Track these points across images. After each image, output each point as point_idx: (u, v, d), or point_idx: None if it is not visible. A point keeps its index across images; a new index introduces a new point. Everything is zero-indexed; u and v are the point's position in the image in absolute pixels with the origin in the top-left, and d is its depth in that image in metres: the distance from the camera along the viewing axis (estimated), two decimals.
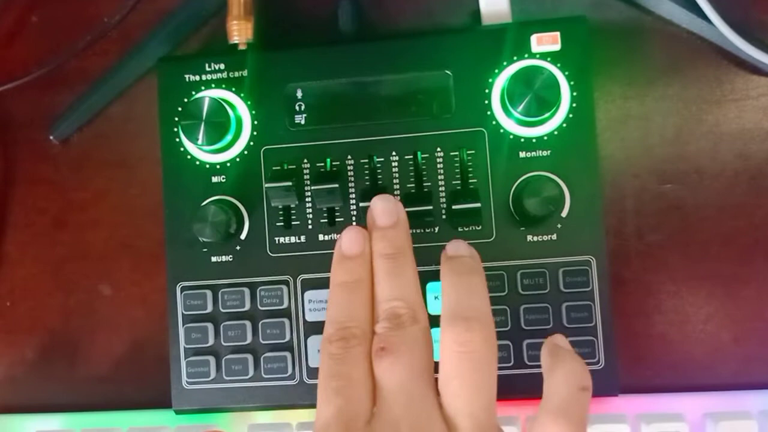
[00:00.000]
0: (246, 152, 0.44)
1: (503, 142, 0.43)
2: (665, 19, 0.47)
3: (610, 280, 0.42)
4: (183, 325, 0.44)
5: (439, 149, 0.43)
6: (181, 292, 0.44)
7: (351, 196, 0.44)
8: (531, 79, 0.41)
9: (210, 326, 0.44)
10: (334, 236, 0.44)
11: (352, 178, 0.44)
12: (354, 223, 0.43)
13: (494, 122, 0.43)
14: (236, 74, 0.44)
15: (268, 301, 0.44)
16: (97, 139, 0.50)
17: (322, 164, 0.44)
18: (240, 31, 0.46)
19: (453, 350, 0.34)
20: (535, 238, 0.43)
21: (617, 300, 0.45)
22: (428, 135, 0.43)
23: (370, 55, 0.44)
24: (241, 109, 0.44)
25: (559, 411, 0.33)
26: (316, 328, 0.43)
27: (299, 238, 0.44)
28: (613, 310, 0.42)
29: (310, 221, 0.44)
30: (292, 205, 0.44)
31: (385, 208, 0.38)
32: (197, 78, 0.45)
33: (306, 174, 0.44)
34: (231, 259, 0.44)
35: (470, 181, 0.43)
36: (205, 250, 0.44)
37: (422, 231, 0.43)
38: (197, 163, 0.44)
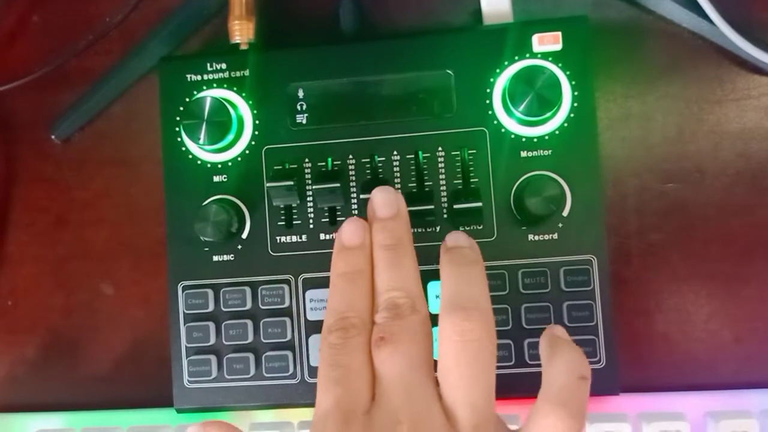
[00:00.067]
0: (247, 152, 0.44)
1: (504, 142, 0.43)
2: (666, 18, 0.47)
3: (611, 279, 0.42)
4: (184, 324, 0.44)
5: (440, 149, 0.43)
6: (182, 291, 0.44)
7: (352, 195, 0.44)
8: (532, 78, 0.41)
9: (211, 325, 0.44)
10: (335, 236, 0.44)
11: (354, 178, 0.44)
12: None
13: (495, 122, 0.43)
14: (238, 74, 0.44)
15: (270, 300, 0.44)
16: (98, 139, 0.50)
17: (324, 164, 0.44)
18: (241, 31, 0.46)
19: (452, 340, 0.34)
20: (537, 238, 0.43)
21: (618, 299, 0.45)
22: (429, 134, 0.43)
23: (372, 54, 0.44)
24: (242, 108, 0.44)
25: (558, 400, 0.33)
26: (318, 327, 0.43)
27: (300, 238, 0.44)
28: (614, 310, 0.42)
29: (311, 220, 0.44)
30: (294, 205, 0.44)
31: (385, 200, 0.39)
32: (199, 77, 0.45)
33: (307, 173, 0.44)
34: (232, 259, 0.44)
35: (471, 180, 0.43)
36: (206, 249, 0.44)
37: (423, 230, 0.43)
38: (199, 162, 0.45)
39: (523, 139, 0.43)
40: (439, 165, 0.43)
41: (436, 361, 0.35)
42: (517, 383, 0.41)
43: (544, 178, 0.42)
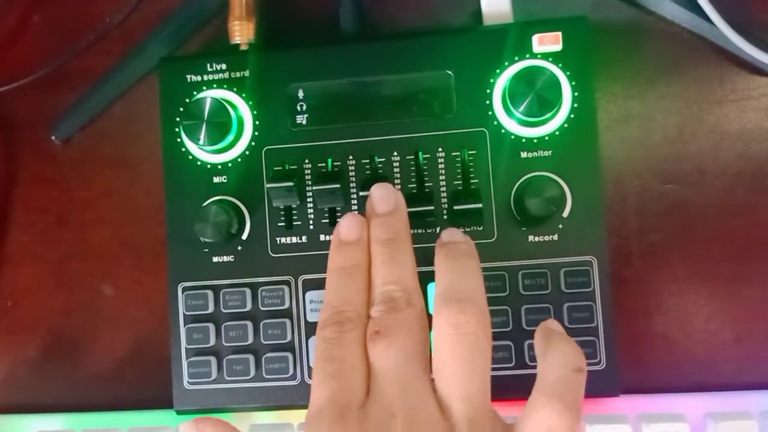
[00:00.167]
0: (247, 152, 0.44)
1: (504, 143, 0.43)
2: (666, 19, 0.47)
3: (611, 280, 0.42)
4: (184, 326, 0.44)
5: (440, 149, 0.43)
6: (182, 293, 0.44)
7: (352, 196, 0.44)
8: (532, 79, 0.41)
9: (211, 326, 0.44)
10: (333, 231, 0.44)
11: (354, 179, 0.44)
12: None
13: (495, 122, 0.43)
14: (238, 74, 0.44)
15: (270, 302, 0.44)
16: (98, 139, 0.50)
17: (324, 164, 0.44)
18: (242, 32, 0.46)
19: (447, 333, 0.34)
20: (537, 239, 0.43)
21: (618, 300, 0.45)
22: (429, 135, 0.43)
23: (372, 55, 0.44)
24: (242, 109, 0.44)
25: (553, 392, 0.33)
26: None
27: (300, 239, 0.44)
28: (614, 310, 0.42)
29: (311, 221, 0.44)
30: (294, 206, 0.44)
31: (383, 196, 0.39)
32: (199, 78, 0.45)
33: (307, 174, 0.44)
34: (232, 260, 0.44)
35: (471, 181, 0.43)
36: (206, 250, 0.44)
37: (423, 231, 0.43)
38: (199, 163, 0.44)
39: (523, 140, 0.43)
40: (439, 166, 0.43)
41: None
42: (518, 384, 0.41)
43: (544, 178, 0.42)
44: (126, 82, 0.50)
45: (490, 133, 0.43)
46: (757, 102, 0.46)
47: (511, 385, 0.41)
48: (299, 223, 0.44)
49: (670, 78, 0.47)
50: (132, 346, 0.49)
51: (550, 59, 0.43)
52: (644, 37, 0.47)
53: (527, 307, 0.42)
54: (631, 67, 0.47)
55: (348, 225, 0.38)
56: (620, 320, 0.45)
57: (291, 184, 0.42)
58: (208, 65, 0.45)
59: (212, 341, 0.44)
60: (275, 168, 0.44)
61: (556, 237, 0.43)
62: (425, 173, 0.43)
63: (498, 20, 0.45)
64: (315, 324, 0.43)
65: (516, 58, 0.43)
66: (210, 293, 0.44)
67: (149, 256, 0.49)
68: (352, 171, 0.44)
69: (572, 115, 0.43)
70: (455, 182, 0.43)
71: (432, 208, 0.42)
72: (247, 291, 0.44)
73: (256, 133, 0.44)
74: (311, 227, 0.44)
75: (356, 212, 0.39)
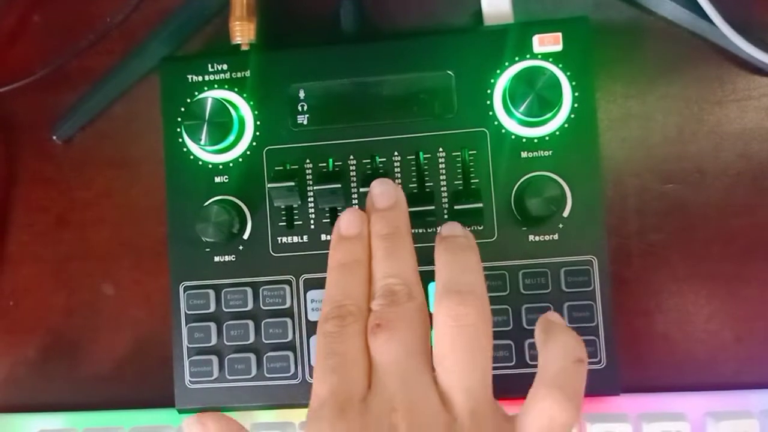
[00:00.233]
0: (249, 152, 0.44)
1: (505, 142, 0.43)
2: (667, 19, 0.47)
3: (611, 279, 0.42)
4: (186, 325, 0.44)
5: (441, 149, 0.43)
6: (183, 292, 0.44)
7: (353, 196, 0.44)
8: (533, 79, 0.41)
9: (213, 326, 0.44)
10: (334, 227, 0.44)
11: (355, 178, 0.44)
12: None
13: (496, 122, 0.43)
14: (239, 74, 0.44)
15: (271, 301, 0.44)
16: (99, 139, 0.50)
17: (325, 164, 0.44)
18: (242, 32, 0.46)
19: (447, 325, 0.34)
20: (537, 238, 0.43)
21: (619, 299, 0.45)
22: (430, 135, 0.43)
23: (373, 55, 0.44)
24: (243, 109, 0.44)
25: (554, 383, 0.33)
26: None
27: (302, 238, 0.44)
28: (614, 310, 0.43)
29: (312, 221, 0.44)
30: (295, 205, 0.44)
31: (383, 191, 0.39)
32: (200, 78, 0.45)
33: (308, 174, 0.44)
34: (234, 259, 0.44)
35: (472, 181, 0.43)
36: (207, 249, 0.44)
37: (424, 231, 0.43)
38: (200, 163, 0.45)
39: (524, 140, 0.43)
40: (440, 166, 0.43)
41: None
42: (518, 384, 0.41)
43: (544, 178, 0.42)
44: (126, 82, 0.50)
45: (490, 133, 0.43)
46: (757, 102, 0.46)
47: (512, 385, 0.40)
48: (300, 222, 0.44)
49: (670, 78, 0.47)
50: (133, 346, 0.49)
51: (551, 59, 0.43)
52: (645, 37, 0.47)
53: (528, 306, 0.42)
54: (632, 67, 0.47)
55: (348, 220, 0.38)
56: (620, 320, 0.45)
57: (292, 183, 0.42)
58: (209, 65, 0.45)
59: (214, 340, 0.44)
60: (276, 168, 0.44)
61: (556, 236, 0.43)
62: (426, 173, 0.43)
63: (498, 20, 0.45)
64: (316, 323, 0.43)
65: (516, 59, 0.43)
66: (211, 292, 0.44)
67: (149, 255, 0.49)
68: (353, 171, 0.44)
69: (572, 115, 0.43)
70: (456, 182, 0.43)
71: (432, 207, 0.42)
72: (249, 290, 0.44)
73: (258, 133, 0.44)
74: (312, 227, 0.44)
75: (356, 207, 0.39)
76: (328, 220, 0.44)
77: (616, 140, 0.47)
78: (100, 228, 0.50)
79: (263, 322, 0.44)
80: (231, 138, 0.43)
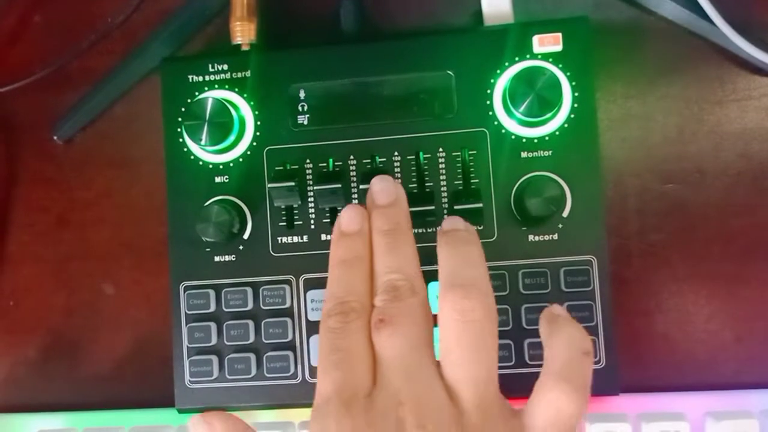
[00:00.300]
0: (249, 152, 0.44)
1: (505, 143, 0.43)
2: (667, 19, 0.47)
3: (611, 279, 0.42)
4: (186, 325, 0.44)
5: (441, 149, 0.43)
6: (184, 292, 0.44)
7: (353, 196, 0.44)
8: (533, 79, 0.41)
9: (213, 325, 0.44)
10: (334, 223, 0.44)
11: (355, 179, 0.44)
12: None
13: (496, 122, 0.43)
14: (239, 75, 0.44)
15: (271, 301, 0.44)
16: (100, 139, 0.50)
17: (325, 164, 0.44)
18: (243, 32, 0.46)
19: (452, 319, 0.34)
20: (537, 238, 0.43)
21: (618, 299, 0.45)
22: (430, 135, 0.44)
23: (373, 55, 0.44)
24: (244, 109, 0.44)
25: (560, 375, 0.33)
26: (319, 327, 0.43)
27: (302, 238, 0.44)
28: (614, 310, 0.43)
29: (312, 221, 0.44)
30: (295, 205, 0.44)
31: (383, 188, 0.39)
32: (200, 78, 0.45)
33: (309, 174, 0.44)
34: (234, 259, 0.44)
35: (472, 181, 0.43)
36: (208, 249, 0.44)
37: (424, 231, 0.43)
38: (200, 163, 0.45)
39: (524, 140, 0.43)
40: (440, 166, 0.43)
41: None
42: (518, 383, 0.41)
43: (544, 178, 0.42)
44: (127, 82, 0.50)
45: (490, 133, 0.43)
46: (757, 102, 0.46)
47: (512, 384, 0.40)
48: (300, 222, 0.44)
49: (670, 78, 0.47)
50: (133, 346, 0.49)
51: (551, 59, 0.43)
52: (645, 37, 0.47)
53: (527, 306, 0.42)
54: (632, 67, 0.47)
55: (349, 217, 0.38)
56: (620, 320, 0.45)
57: (292, 183, 0.42)
58: (210, 65, 0.45)
59: (214, 340, 0.44)
60: (277, 168, 0.44)
61: (556, 236, 0.43)
62: (426, 173, 0.43)
63: (498, 21, 0.45)
64: (316, 323, 0.43)
65: (516, 59, 0.43)
66: (211, 292, 0.44)
67: (149, 255, 0.49)
68: (353, 171, 0.44)
69: (572, 116, 0.43)
70: (456, 182, 0.43)
71: (432, 207, 0.42)
72: (249, 290, 0.44)
73: (258, 134, 0.44)
74: (312, 227, 0.44)
75: (357, 204, 0.39)
76: (328, 220, 0.44)
77: (616, 140, 0.47)
78: (100, 228, 0.50)
79: (263, 321, 0.44)
80: (231, 138, 0.43)
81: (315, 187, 0.42)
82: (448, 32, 0.47)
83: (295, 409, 0.45)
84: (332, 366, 0.34)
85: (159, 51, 0.49)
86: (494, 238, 0.43)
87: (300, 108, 0.44)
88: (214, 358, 0.44)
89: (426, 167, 0.43)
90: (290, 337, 0.44)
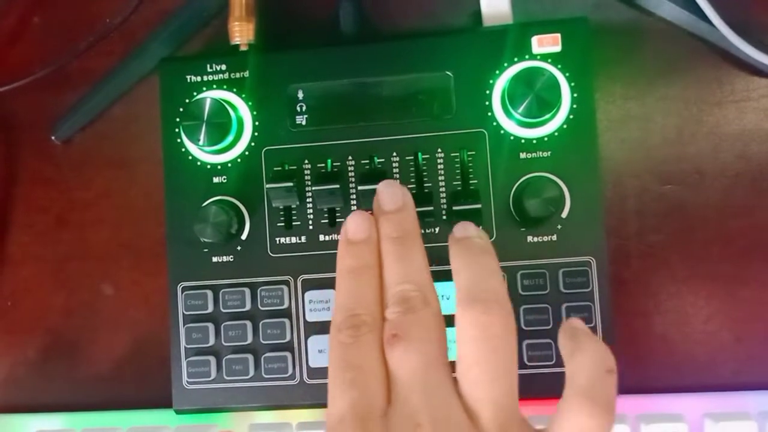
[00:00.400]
0: (247, 153, 0.44)
1: (504, 143, 0.43)
2: (666, 20, 0.47)
3: (610, 280, 0.42)
4: (184, 325, 0.44)
5: (439, 150, 0.43)
6: (182, 292, 0.44)
7: (352, 196, 0.44)
8: (532, 80, 0.41)
9: (211, 326, 0.44)
10: (335, 237, 0.44)
11: (353, 179, 0.44)
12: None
13: (495, 123, 0.43)
14: (238, 75, 0.44)
15: (269, 302, 0.44)
16: (98, 140, 0.50)
17: (323, 165, 0.44)
18: (241, 32, 0.46)
19: (471, 335, 0.33)
20: (536, 239, 0.43)
21: (617, 300, 0.45)
22: (429, 136, 0.43)
23: (371, 56, 0.44)
24: (242, 109, 0.44)
25: (585, 394, 0.31)
26: (317, 328, 0.44)
27: (300, 239, 0.44)
28: (613, 311, 0.42)
29: (310, 222, 0.44)
30: (293, 206, 0.44)
31: (390, 193, 0.38)
32: (199, 79, 0.45)
33: (307, 175, 0.44)
34: (232, 260, 0.44)
35: (471, 181, 0.43)
36: (206, 250, 0.44)
37: (423, 231, 0.43)
38: (198, 163, 0.45)
39: (523, 141, 0.43)
40: (439, 166, 0.43)
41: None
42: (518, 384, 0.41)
43: (543, 179, 0.42)
44: (126, 82, 0.50)
45: (489, 133, 0.43)
46: (756, 103, 0.46)
47: None
48: (299, 223, 0.44)
49: (669, 79, 0.47)
50: (131, 346, 0.49)
51: (550, 60, 0.43)
52: (644, 38, 0.47)
53: (526, 307, 0.42)
54: (631, 68, 0.47)
55: (356, 224, 0.37)
56: (619, 321, 0.45)
57: (290, 184, 0.42)
58: (208, 66, 0.45)
59: (211, 341, 0.44)
60: (275, 168, 0.44)
61: (555, 237, 0.43)
62: (424, 174, 0.43)
63: (497, 21, 0.45)
64: (314, 324, 0.43)
65: (515, 59, 0.43)
66: (209, 293, 0.44)
67: (148, 256, 0.49)
68: (351, 171, 0.44)
69: (571, 116, 0.43)
70: (454, 183, 0.43)
71: (431, 208, 0.42)
72: (247, 291, 0.44)
73: (256, 134, 0.44)
74: (311, 227, 0.44)
75: (363, 210, 0.38)
76: (327, 221, 0.44)
77: (615, 141, 0.47)
78: (99, 228, 0.50)
79: (261, 322, 0.44)
80: (229, 138, 0.43)
81: (313, 188, 0.42)
82: (447, 33, 0.46)
83: (293, 410, 0.45)
84: (346, 384, 0.33)
85: (158, 51, 0.49)
86: (493, 239, 0.43)
87: (298, 108, 0.44)
88: (212, 359, 0.44)
89: (425, 168, 0.43)
90: (288, 337, 0.44)
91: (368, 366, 0.33)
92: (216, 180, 0.44)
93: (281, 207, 0.44)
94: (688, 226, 0.46)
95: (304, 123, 0.44)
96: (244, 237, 0.44)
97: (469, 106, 0.43)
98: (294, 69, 0.44)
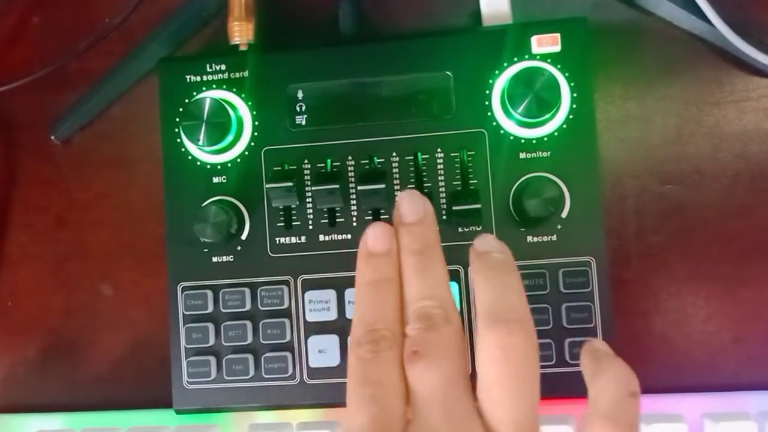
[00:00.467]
0: (247, 153, 0.44)
1: (503, 143, 0.43)
2: (665, 20, 0.47)
3: (610, 280, 0.42)
4: (184, 325, 0.44)
5: (439, 150, 0.43)
6: (182, 292, 0.44)
7: (351, 196, 0.44)
8: (531, 80, 0.41)
9: (211, 326, 0.44)
10: (335, 237, 0.44)
11: (353, 179, 0.44)
12: (354, 224, 0.43)
13: (494, 123, 0.43)
14: (237, 75, 0.44)
15: (269, 302, 0.44)
16: (98, 140, 0.50)
17: (323, 165, 0.44)
18: (241, 32, 0.46)
19: (494, 355, 0.32)
20: (535, 239, 0.43)
21: (617, 301, 0.45)
22: (428, 136, 0.43)
23: (371, 56, 0.44)
24: (242, 109, 0.44)
25: (607, 417, 0.31)
26: (317, 328, 0.44)
27: (300, 239, 0.44)
28: (613, 311, 0.42)
29: (310, 222, 0.44)
30: (293, 206, 0.44)
31: (411, 204, 0.36)
32: (198, 79, 0.45)
33: (307, 175, 0.44)
34: (232, 260, 0.44)
35: (470, 181, 0.43)
36: (205, 250, 0.44)
37: None
38: (198, 163, 0.45)
39: (522, 141, 0.43)
40: (438, 166, 0.43)
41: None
42: None
43: (542, 179, 0.42)
44: (126, 82, 0.50)
45: (489, 133, 0.43)
46: (756, 103, 0.46)
47: None
48: (298, 223, 0.44)
49: (669, 79, 0.47)
50: (131, 347, 0.49)
51: (549, 60, 0.43)
52: (643, 38, 0.47)
53: None
54: (630, 68, 0.47)
55: (376, 236, 0.36)
56: (619, 321, 0.45)
57: (290, 184, 0.42)
58: (208, 66, 0.45)
59: (212, 341, 0.44)
60: (274, 168, 0.44)
61: (554, 237, 0.43)
62: (424, 174, 0.43)
63: (497, 21, 0.45)
64: (314, 324, 0.43)
65: (515, 59, 0.43)
66: (209, 293, 0.44)
67: (148, 256, 0.49)
68: (351, 171, 0.44)
69: (571, 116, 0.43)
70: (454, 183, 0.43)
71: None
72: (247, 291, 0.44)
73: (256, 134, 0.44)
74: (310, 227, 0.44)
75: (383, 222, 0.37)
76: (327, 221, 0.44)
77: (615, 141, 0.47)
78: (98, 229, 0.50)
79: (261, 322, 0.44)
80: (229, 138, 0.43)
81: (313, 188, 0.42)
82: (447, 33, 0.46)
83: (293, 410, 0.45)
84: (366, 400, 0.33)
85: (157, 52, 0.49)
86: None
87: (298, 108, 0.44)
88: (212, 359, 0.44)
89: (424, 168, 0.43)
90: (288, 338, 0.44)
91: (388, 382, 0.33)
92: (216, 180, 0.44)
93: (281, 207, 0.44)
94: (687, 227, 0.46)
95: (303, 123, 0.44)
96: (244, 237, 0.44)
97: (469, 106, 0.43)
98: (293, 69, 0.44)
